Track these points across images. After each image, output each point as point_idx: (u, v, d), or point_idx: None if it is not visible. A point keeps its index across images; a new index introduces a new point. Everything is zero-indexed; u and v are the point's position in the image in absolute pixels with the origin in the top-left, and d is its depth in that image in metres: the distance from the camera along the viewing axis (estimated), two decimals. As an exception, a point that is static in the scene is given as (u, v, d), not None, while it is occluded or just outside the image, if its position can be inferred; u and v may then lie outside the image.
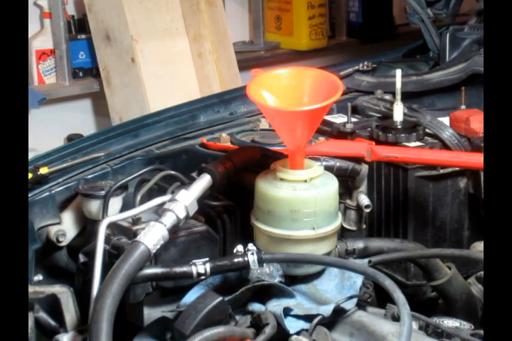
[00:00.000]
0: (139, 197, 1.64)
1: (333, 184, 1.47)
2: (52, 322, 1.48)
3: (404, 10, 2.79)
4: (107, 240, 1.42)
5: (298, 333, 1.33)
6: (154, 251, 1.34)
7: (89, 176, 1.83)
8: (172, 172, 1.69)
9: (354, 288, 1.42)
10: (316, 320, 1.34)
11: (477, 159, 1.64)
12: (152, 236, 1.34)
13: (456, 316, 1.49)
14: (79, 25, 3.76)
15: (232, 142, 1.96)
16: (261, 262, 1.37)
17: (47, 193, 1.76)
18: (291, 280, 1.46)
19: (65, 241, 1.76)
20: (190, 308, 1.31)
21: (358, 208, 1.72)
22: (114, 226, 1.47)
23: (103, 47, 3.64)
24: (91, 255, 1.39)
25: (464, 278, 1.65)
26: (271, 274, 1.40)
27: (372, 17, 4.58)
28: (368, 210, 1.69)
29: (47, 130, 3.66)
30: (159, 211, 1.42)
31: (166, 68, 3.61)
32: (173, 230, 1.39)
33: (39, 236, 1.73)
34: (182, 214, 1.40)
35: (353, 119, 1.96)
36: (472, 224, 1.80)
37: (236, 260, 1.37)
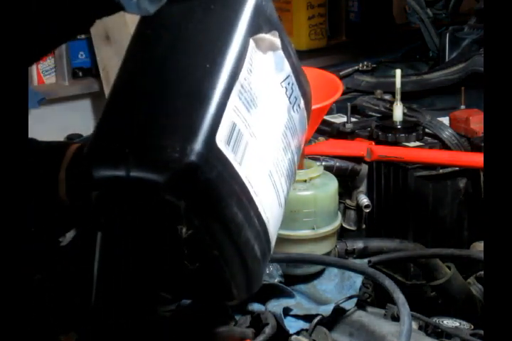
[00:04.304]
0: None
1: (332, 184, 1.46)
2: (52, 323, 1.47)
3: (404, 10, 2.79)
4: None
5: (298, 333, 1.33)
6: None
7: (89, 176, 1.82)
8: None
9: (354, 288, 1.42)
10: (315, 320, 1.34)
11: (477, 159, 1.64)
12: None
13: (456, 316, 1.49)
14: (78, 25, 3.76)
15: (232, 142, 1.95)
16: (261, 262, 1.37)
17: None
18: (291, 280, 1.46)
19: (64, 241, 1.75)
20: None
21: (358, 208, 1.72)
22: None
23: (103, 47, 3.63)
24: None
25: (464, 278, 1.65)
26: (271, 274, 1.40)
27: (372, 17, 4.57)
28: (367, 210, 1.69)
29: (46, 130, 3.64)
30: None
31: (166, 68, 3.61)
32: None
33: (39, 236, 1.73)
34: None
35: (353, 119, 1.95)
36: (472, 224, 1.80)
37: (236, 260, 1.36)
